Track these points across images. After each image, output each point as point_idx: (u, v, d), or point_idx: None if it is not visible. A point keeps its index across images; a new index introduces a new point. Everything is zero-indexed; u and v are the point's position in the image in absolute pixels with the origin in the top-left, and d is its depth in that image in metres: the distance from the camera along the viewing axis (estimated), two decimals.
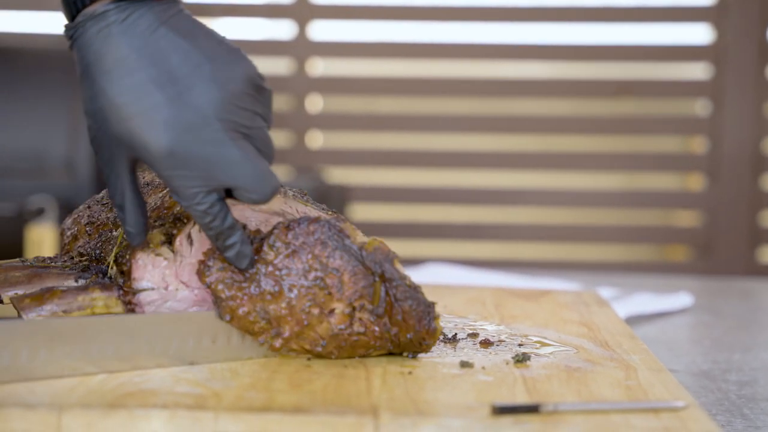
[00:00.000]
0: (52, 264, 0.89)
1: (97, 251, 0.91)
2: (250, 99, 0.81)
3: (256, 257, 0.84)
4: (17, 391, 0.73)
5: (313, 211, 0.93)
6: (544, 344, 0.94)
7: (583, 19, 3.21)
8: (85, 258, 0.91)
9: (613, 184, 3.34)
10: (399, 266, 0.86)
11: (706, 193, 3.21)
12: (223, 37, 0.83)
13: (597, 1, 3.20)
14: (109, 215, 0.94)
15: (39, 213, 2.27)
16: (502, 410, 0.71)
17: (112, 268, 0.87)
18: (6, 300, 0.85)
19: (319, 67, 3.27)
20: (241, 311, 0.84)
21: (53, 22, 3.23)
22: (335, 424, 0.69)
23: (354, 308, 0.85)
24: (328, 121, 3.25)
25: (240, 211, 0.89)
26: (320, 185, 2.88)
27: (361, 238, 0.86)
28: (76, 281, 0.87)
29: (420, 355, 0.88)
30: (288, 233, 0.85)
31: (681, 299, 1.55)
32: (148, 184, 0.96)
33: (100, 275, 0.87)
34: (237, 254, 0.83)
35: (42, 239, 2.24)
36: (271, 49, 3.25)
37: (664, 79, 3.23)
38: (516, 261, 3.16)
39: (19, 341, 0.75)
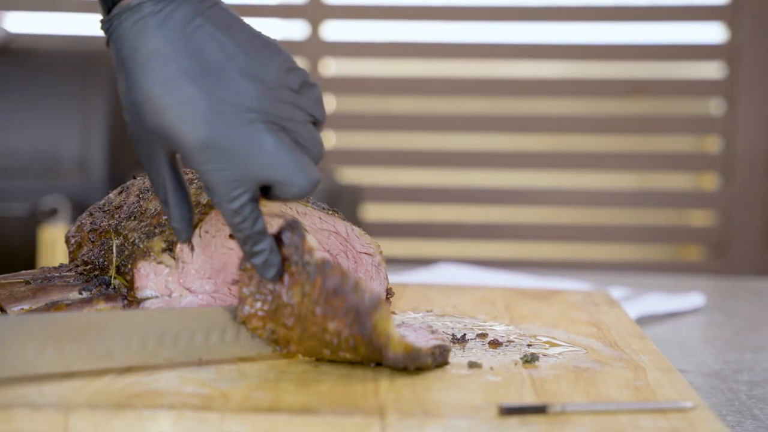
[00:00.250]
0: (57, 275, 0.89)
1: (101, 259, 0.90)
2: (288, 92, 0.80)
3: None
4: (24, 391, 0.73)
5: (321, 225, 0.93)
6: (553, 344, 0.93)
7: (597, 18, 3.20)
8: (89, 266, 0.91)
9: (627, 184, 3.33)
10: None
11: (719, 193, 3.20)
12: (259, 31, 0.81)
13: (611, 0, 3.20)
14: (110, 222, 0.93)
15: (52, 213, 2.27)
16: (509, 411, 0.70)
17: (114, 278, 0.87)
18: None
19: (331, 67, 3.27)
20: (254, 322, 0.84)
21: (66, 23, 3.24)
22: (342, 425, 0.69)
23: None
24: (340, 121, 3.25)
25: None
26: (333, 185, 2.87)
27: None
28: (80, 293, 0.86)
29: None
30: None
31: (693, 299, 1.55)
32: (147, 190, 0.95)
33: (104, 286, 0.87)
34: (264, 262, 0.81)
35: (55, 239, 2.25)
36: None
37: (678, 78, 3.22)
38: (529, 261, 3.15)
39: (25, 338, 0.75)
